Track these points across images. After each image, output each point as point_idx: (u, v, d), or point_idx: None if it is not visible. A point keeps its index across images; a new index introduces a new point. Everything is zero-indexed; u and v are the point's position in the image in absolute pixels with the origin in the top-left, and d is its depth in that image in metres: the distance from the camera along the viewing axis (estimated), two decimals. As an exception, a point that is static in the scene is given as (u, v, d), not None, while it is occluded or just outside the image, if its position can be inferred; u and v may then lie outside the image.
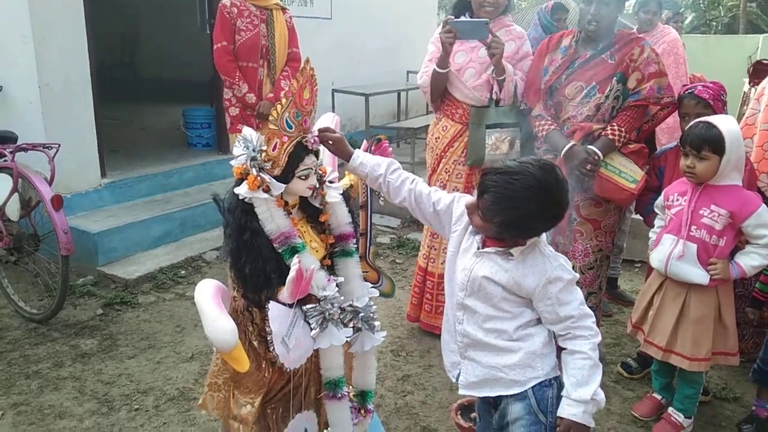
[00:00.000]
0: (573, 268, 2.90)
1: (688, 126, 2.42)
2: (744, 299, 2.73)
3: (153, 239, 4.32)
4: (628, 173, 2.70)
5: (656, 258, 2.47)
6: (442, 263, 3.25)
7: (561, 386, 1.68)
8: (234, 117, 4.05)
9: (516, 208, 1.57)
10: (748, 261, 2.33)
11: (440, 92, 3.13)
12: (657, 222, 2.59)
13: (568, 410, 1.62)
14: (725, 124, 2.30)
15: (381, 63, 7.14)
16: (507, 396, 1.70)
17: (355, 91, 6.16)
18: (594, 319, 1.70)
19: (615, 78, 2.71)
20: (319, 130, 1.79)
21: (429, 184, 3.27)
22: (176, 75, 8.80)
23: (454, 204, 1.85)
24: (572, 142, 2.71)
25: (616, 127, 2.70)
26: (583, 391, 1.61)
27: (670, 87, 2.77)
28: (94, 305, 3.67)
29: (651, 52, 2.73)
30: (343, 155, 1.88)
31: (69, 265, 3.35)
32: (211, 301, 1.62)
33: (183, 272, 4.09)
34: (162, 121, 7.21)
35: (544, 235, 1.71)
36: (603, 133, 2.70)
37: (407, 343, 3.31)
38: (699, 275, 2.35)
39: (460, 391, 1.79)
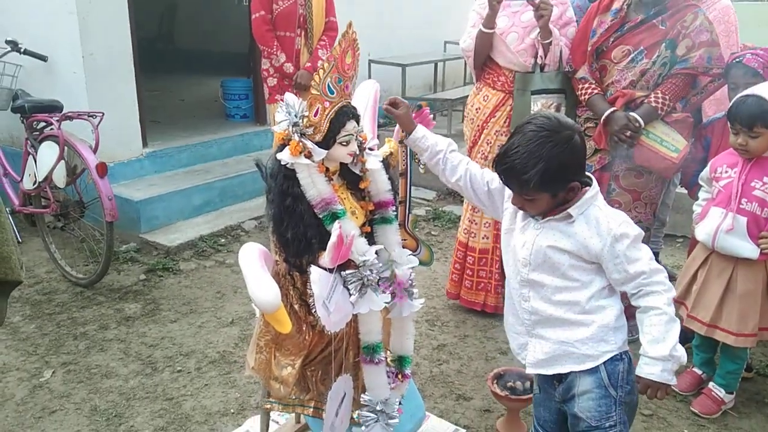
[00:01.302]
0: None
1: (733, 101, 2.32)
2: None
3: (193, 208, 4.41)
4: (670, 142, 2.63)
5: (703, 231, 2.41)
6: (483, 238, 3.22)
7: (631, 360, 1.65)
8: (272, 87, 4.07)
9: (539, 162, 1.55)
10: None
11: (484, 56, 3.06)
12: (701, 195, 2.52)
13: (646, 369, 1.58)
14: None
15: (418, 33, 7.04)
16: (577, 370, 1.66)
17: (392, 61, 6.10)
18: (666, 274, 1.63)
19: (664, 44, 2.63)
20: (388, 101, 1.86)
21: (470, 157, 3.28)
22: (215, 47, 8.86)
23: None
24: (612, 108, 2.65)
25: (660, 95, 2.62)
26: (660, 347, 1.55)
27: (721, 58, 2.66)
28: (137, 271, 3.77)
29: (704, 20, 2.63)
30: (407, 127, 1.93)
31: (113, 232, 3.44)
32: (255, 263, 1.65)
33: (222, 240, 4.17)
34: (201, 93, 7.29)
35: (600, 195, 1.66)
36: (646, 101, 2.63)
37: (442, 313, 3.33)
38: (748, 249, 2.29)
39: (528, 370, 1.76)
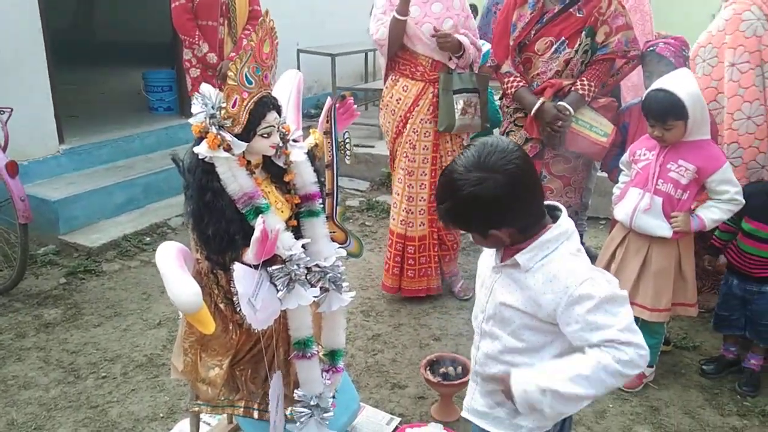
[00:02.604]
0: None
1: (646, 96, 2.41)
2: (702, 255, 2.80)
3: (116, 206, 4.22)
4: (599, 127, 2.72)
5: (621, 211, 2.50)
6: (420, 225, 3.24)
7: (563, 424, 1.48)
8: (195, 79, 3.95)
9: (447, 199, 1.37)
10: (709, 214, 2.37)
11: (398, 44, 3.08)
12: (621, 178, 2.62)
13: (522, 374, 1.34)
14: (682, 86, 2.29)
15: (348, 22, 6.97)
16: None
17: (321, 51, 6.02)
18: (643, 346, 1.30)
19: (584, 32, 2.71)
20: None
21: (393, 149, 3.30)
22: (136, 37, 8.50)
23: None
24: (542, 100, 2.71)
25: (586, 82, 2.71)
26: (553, 378, 1.29)
27: (636, 40, 2.78)
28: (57, 274, 3.58)
29: (618, 5, 2.73)
30: None
31: (28, 234, 3.26)
32: (173, 264, 1.59)
33: (148, 239, 4.02)
34: (122, 85, 7.00)
35: (570, 241, 1.37)
36: (573, 89, 2.71)
37: (377, 303, 3.33)
38: (663, 228, 2.40)
39: (462, 414, 1.60)
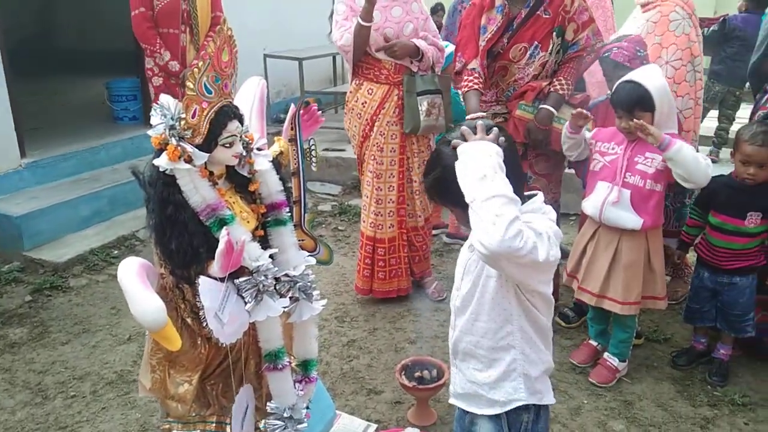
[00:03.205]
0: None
1: (615, 88, 2.46)
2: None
3: (82, 220, 4.13)
4: None
5: (591, 205, 2.53)
6: (389, 227, 3.24)
7: (539, 412, 1.54)
8: (158, 87, 3.87)
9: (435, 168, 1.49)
10: (677, 140, 2.31)
11: (363, 50, 3.08)
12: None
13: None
14: (650, 79, 2.35)
15: (316, 26, 6.91)
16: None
17: (288, 55, 5.97)
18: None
19: (554, 33, 2.73)
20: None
21: (360, 153, 3.29)
22: (100, 45, 8.33)
23: None
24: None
25: (563, 81, 2.73)
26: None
27: (599, 32, 2.84)
28: (22, 292, 3.49)
29: (580, 0, 2.75)
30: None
31: (-12, 252, 3.16)
32: (135, 280, 1.55)
33: (116, 252, 3.94)
34: (86, 95, 6.84)
35: (552, 215, 1.47)
36: (552, 89, 2.73)
37: (351, 308, 3.31)
38: (632, 220, 2.42)
39: (450, 400, 1.65)
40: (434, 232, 3.91)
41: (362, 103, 3.16)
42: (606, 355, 2.65)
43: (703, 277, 2.63)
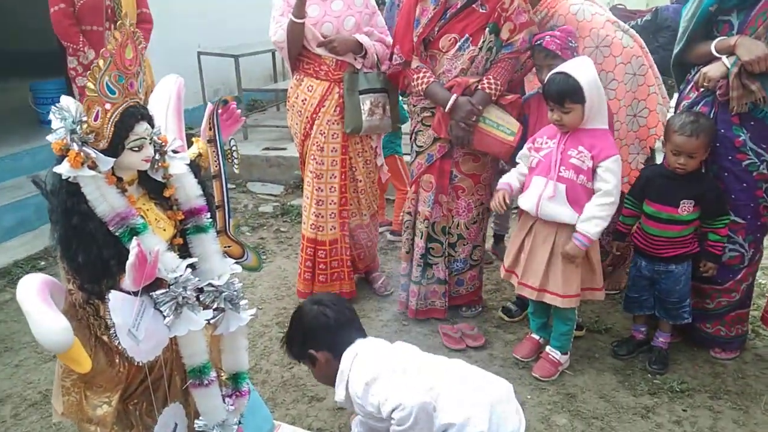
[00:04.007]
0: (457, 225, 2.95)
1: (546, 79, 2.44)
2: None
3: (5, 230, 3.90)
4: (506, 126, 2.70)
5: (527, 201, 2.51)
6: (331, 229, 3.14)
7: None
8: (82, 88, 3.68)
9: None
10: (591, 228, 2.37)
11: (299, 47, 2.98)
12: (516, 169, 2.62)
13: None
14: (581, 72, 2.34)
15: (253, 20, 6.73)
16: None
17: (223, 52, 5.79)
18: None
19: (487, 29, 2.67)
20: None
21: (302, 151, 3.19)
22: (23, 45, 7.90)
23: None
24: (455, 95, 2.66)
25: (492, 80, 2.67)
26: None
27: (537, 37, 2.77)
28: (-63, 310, 3.25)
29: (521, 1, 2.70)
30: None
31: None
32: (35, 299, 1.42)
33: (43, 263, 3.72)
34: (10, 98, 6.47)
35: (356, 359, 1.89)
36: (479, 87, 2.67)
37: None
38: (568, 214, 2.42)
39: None
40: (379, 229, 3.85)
41: (302, 100, 3.06)
42: (548, 348, 2.65)
43: (640, 266, 2.65)
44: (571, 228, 2.44)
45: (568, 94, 2.33)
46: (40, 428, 2.39)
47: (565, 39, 2.54)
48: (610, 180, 2.37)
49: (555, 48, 2.53)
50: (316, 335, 1.94)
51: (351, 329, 1.97)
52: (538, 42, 2.59)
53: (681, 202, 2.49)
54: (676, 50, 2.60)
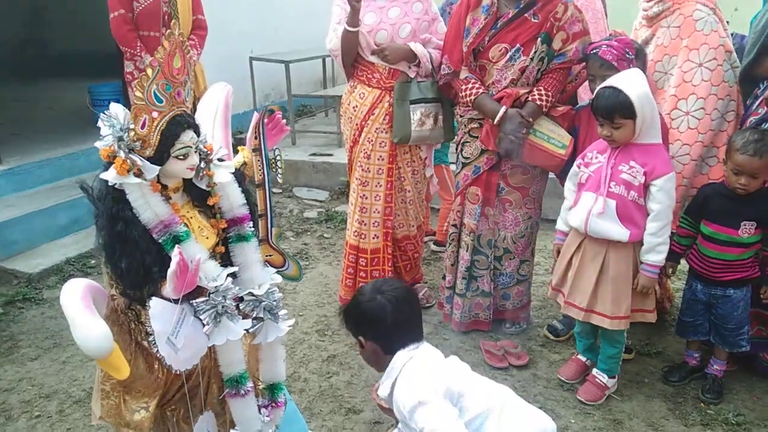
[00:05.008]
0: (504, 238, 2.88)
1: (595, 94, 2.35)
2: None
3: (59, 228, 4.02)
4: (557, 139, 2.62)
5: (576, 217, 2.42)
6: (373, 238, 3.12)
7: None
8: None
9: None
10: (656, 257, 2.32)
11: (353, 55, 2.97)
12: (568, 190, 2.54)
13: None
14: (632, 86, 2.24)
15: (304, 28, 6.83)
16: None
17: (274, 58, 5.86)
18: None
19: (539, 38, 2.61)
20: None
21: (350, 158, 3.18)
22: (83, 46, 8.22)
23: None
24: (504, 107, 2.60)
25: (543, 91, 2.60)
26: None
27: (593, 46, 2.68)
28: (-6, 304, 3.38)
29: (575, 10, 2.63)
30: None
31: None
32: (78, 304, 1.43)
33: (93, 261, 3.82)
34: (71, 99, 6.73)
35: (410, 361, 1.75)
36: (530, 98, 2.60)
37: (333, 321, 3.19)
38: (618, 232, 2.32)
39: None
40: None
41: (353, 107, 3.05)
42: (594, 371, 2.54)
43: (695, 290, 2.53)
44: (622, 246, 2.34)
45: (617, 109, 2.23)
46: (83, 426, 2.44)
47: (623, 50, 2.44)
48: (663, 200, 2.27)
49: (611, 58, 2.44)
50: (370, 325, 1.81)
51: (406, 331, 1.80)
52: (594, 51, 2.50)
53: (742, 223, 2.36)
54: (744, 63, 2.46)
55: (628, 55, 2.45)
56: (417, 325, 1.85)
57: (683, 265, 2.68)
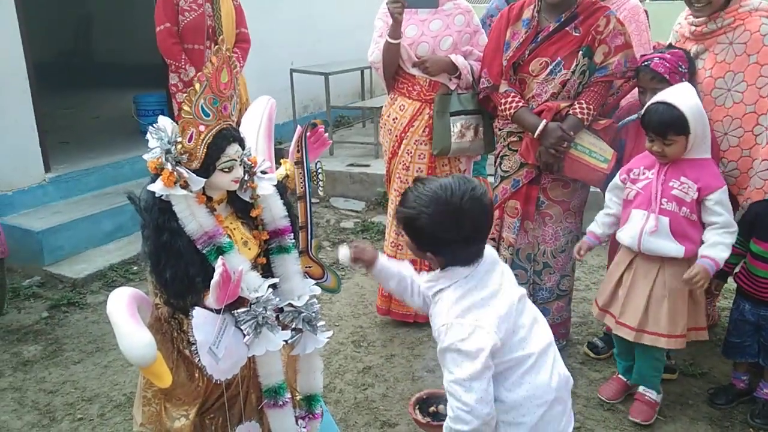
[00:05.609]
0: (543, 252, 2.84)
1: (646, 108, 2.29)
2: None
3: (103, 235, 4.12)
4: (598, 153, 2.57)
5: (627, 235, 2.36)
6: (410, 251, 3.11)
7: None
8: (181, 103, 3.85)
9: (414, 215, 1.58)
10: (719, 253, 2.23)
11: (394, 67, 2.98)
12: (608, 203, 2.49)
13: None
14: (685, 100, 2.18)
15: (343, 40, 6.90)
16: None
17: (314, 70, 5.93)
18: (468, 408, 1.48)
19: (581, 52, 2.57)
20: (354, 250, 1.83)
21: (389, 169, 3.19)
22: (131, 59, 8.46)
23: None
24: (545, 121, 2.57)
25: (584, 105, 2.56)
26: None
27: (635, 60, 2.63)
28: (40, 308, 3.48)
29: (617, 23, 2.58)
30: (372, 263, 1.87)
31: (5, 268, 3.15)
32: (124, 312, 1.47)
33: (135, 268, 3.91)
34: (117, 109, 6.93)
35: (469, 285, 1.58)
36: (571, 112, 2.57)
37: (369, 332, 3.19)
38: (674, 248, 2.26)
39: None
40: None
41: (393, 119, 3.06)
42: (641, 389, 2.47)
43: (743, 310, 2.44)
44: (677, 262, 2.28)
45: (671, 126, 2.18)
46: (123, 430, 2.49)
47: (676, 63, 2.38)
48: (723, 212, 2.22)
49: (663, 71, 2.38)
50: (429, 237, 1.60)
51: (470, 247, 1.60)
52: (646, 63, 2.45)
53: (794, 242, 2.28)
54: None
55: (680, 69, 2.39)
56: (481, 240, 1.64)
57: (729, 283, 2.59)
